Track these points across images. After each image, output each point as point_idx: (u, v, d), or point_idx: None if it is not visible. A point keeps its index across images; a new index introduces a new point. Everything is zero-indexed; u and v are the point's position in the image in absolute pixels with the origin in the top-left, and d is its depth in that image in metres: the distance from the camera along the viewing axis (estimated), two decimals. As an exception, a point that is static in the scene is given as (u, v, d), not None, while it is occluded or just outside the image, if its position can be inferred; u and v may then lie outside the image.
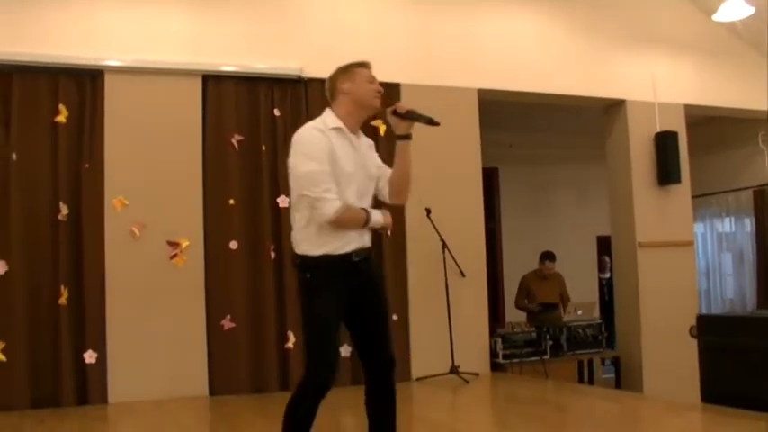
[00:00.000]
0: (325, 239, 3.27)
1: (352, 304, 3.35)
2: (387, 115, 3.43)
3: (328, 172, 3.24)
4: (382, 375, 3.40)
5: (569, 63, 8.22)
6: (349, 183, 3.31)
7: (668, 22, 8.79)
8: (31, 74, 6.31)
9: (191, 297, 6.60)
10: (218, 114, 6.83)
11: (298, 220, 3.36)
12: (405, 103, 3.44)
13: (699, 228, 10.59)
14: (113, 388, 6.29)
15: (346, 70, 3.48)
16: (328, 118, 3.38)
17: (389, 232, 3.30)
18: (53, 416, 5.76)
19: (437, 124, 3.34)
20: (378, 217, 3.35)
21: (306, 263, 3.30)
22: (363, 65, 3.51)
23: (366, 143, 3.52)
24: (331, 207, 3.19)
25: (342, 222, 3.23)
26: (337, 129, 3.33)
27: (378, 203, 3.55)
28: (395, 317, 7.20)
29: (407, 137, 3.42)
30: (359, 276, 3.35)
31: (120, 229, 6.43)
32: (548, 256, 9.22)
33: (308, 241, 3.30)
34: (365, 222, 3.29)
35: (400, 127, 3.41)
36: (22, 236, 6.20)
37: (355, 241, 3.31)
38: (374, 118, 3.46)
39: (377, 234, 3.87)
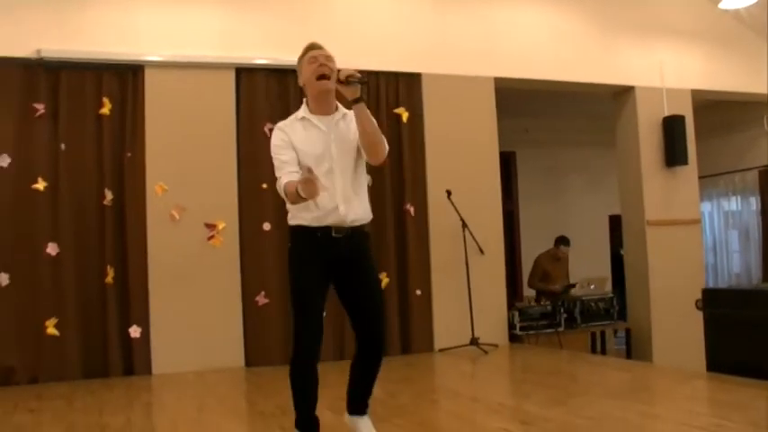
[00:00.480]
0: (301, 212, 3.32)
1: (339, 278, 3.43)
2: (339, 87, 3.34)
3: (282, 159, 3.34)
4: (366, 349, 3.51)
5: (581, 52, 8.19)
6: (321, 162, 3.31)
7: (675, 10, 8.70)
8: (77, 70, 6.40)
9: (227, 275, 6.69)
10: (250, 104, 6.89)
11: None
12: (345, 71, 3.29)
13: (706, 206, 10.53)
14: (156, 360, 6.41)
15: (298, 63, 3.48)
16: (300, 110, 3.47)
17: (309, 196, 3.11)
18: (102, 386, 5.88)
19: (365, 82, 3.30)
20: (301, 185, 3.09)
21: (290, 233, 3.42)
22: (307, 48, 3.45)
23: (340, 117, 3.43)
24: (283, 179, 3.26)
25: (289, 195, 3.19)
26: (302, 119, 3.41)
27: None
28: (418, 292, 7.29)
29: (358, 100, 3.26)
30: (336, 252, 3.36)
31: (160, 213, 6.52)
32: (563, 241, 9.23)
33: (291, 213, 3.39)
34: (296, 195, 3.09)
35: (348, 92, 3.28)
36: (70, 220, 6.32)
37: (332, 217, 3.30)
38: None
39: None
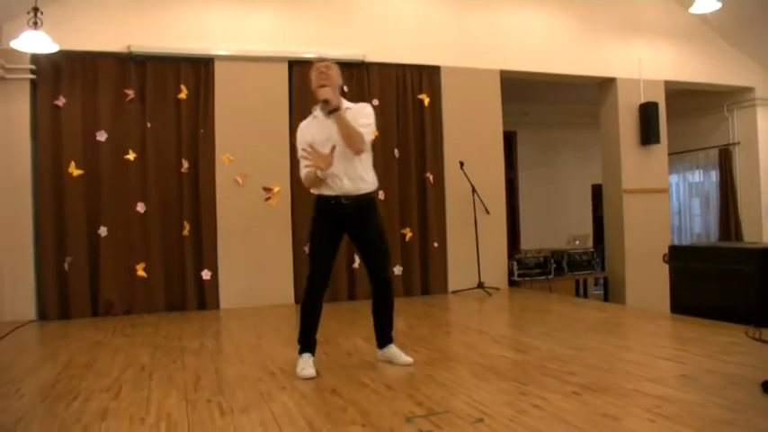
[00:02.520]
0: (320, 187, 3.65)
1: (351, 233, 3.73)
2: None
3: (300, 155, 3.67)
4: (377, 289, 3.79)
5: (572, 48, 8.05)
6: (326, 147, 3.53)
7: (652, 13, 8.50)
8: (159, 62, 6.44)
9: (281, 229, 6.75)
10: (300, 91, 6.82)
11: None
12: (321, 91, 3.49)
13: (673, 178, 10.39)
14: (223, 297, 6.53)
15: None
16: (315, 110, 3.71)
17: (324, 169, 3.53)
18: (180, 317, 6.02)
19: (330, 114, 3.50)
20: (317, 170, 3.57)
21: (313, 201, 3.73)
22: (313, 64, 3.64)
23: (342, 112, 3.55)
24: (302, 171, 3.68)
25: (307, 181, 3.66)
26: (314, 117, 3.70)
27: None
28: (436, 244, 7.31)
29: (332, 112, 3.49)
30: (344, 214, 3.62)
31: (227, 179, 6.58)
32: None
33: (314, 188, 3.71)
34: (314, 178, 3.58)
35: (324, 107, 3.56)
36: (155, 184, 6.41)
37: (338, 188, 3.58)
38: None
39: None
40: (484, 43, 7.63)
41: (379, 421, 2.72)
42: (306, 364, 3.57)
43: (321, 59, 3.66)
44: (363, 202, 3.66)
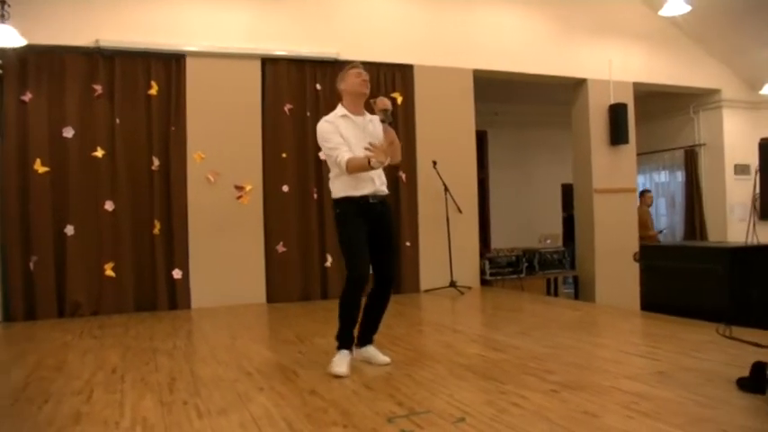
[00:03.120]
0: (346, 187, 3.66)
1: (370, 232, 3.68)
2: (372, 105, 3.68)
3: (337, 141, 3.64)
4: (381, 287, 3.79)
5: (544, 49, 8.11)
6: (360, 148, 3.58)
7: (623, 16, 8.61)
8: (129, 57, 6.30)
9: (253, 228, 6.68)
10: (273, 88, 6.81)
11: (332, 177, 3.76)
12: (385, 100, 3.62)
13: (641, 179, 10.53)
14: (195, 297, 6.42)
15: (340, 75, 3.81)
16: (338, 109, 3.76)
17: (388, 162, 3.60)
18: (151, 317, 5.90)
19: (391, 121, 3.64)
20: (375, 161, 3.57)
21: (337, 202, 3.71)
22: (353, 66, 3.78)
23: (369, 120, 3.76)
24: (342, 156, 3.58)
25: (352, 168, 3.57)
26: (343, 116, 3.71)
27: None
28: (408, 243, 7.30)
29: (384, 121, 3.61)
30: (373, 213, 3.68)
31: (199, 177, 6.48)
32: (647, 190, 8.97)
33: (337, 189, 3.71)
34: (368, 162, 3.51)
35: (380, 115, 3.63)
36: (124, 182, 6.28)
37: (369, 188, 3.65)
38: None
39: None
40: (457, 42, 7.65)
41: (360, 422, 2.69)
42: (342, 361, 3.57)
43: (358, 65, 3.76)
44: (386, 202, 3.80)
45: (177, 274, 6.39)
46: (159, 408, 2.95)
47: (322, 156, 6.87)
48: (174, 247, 6.40)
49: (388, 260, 3.77)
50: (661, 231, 9.14)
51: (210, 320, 5.66)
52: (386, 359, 3.77)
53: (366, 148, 3.51)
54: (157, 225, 6.35)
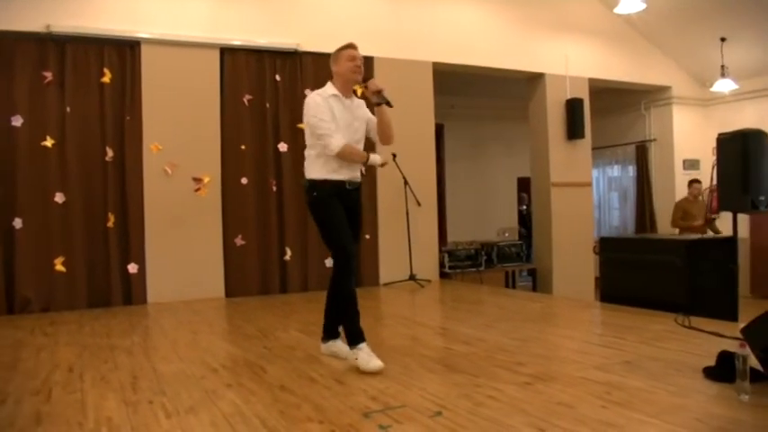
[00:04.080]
0: (327, 170, 3.56)
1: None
2: (361, 88, 3.73)
3: (330, 122, 3.53)
4: None
5: (503, 43, 8.16)
6: (347, 131, 3.60)
7: (579, 12, 8.73)
8: (81, 43, 6.05)
9: (211, 221, 6.52)
10: (232, 79, 6.66)
11: (310, 155, 3.62)
12: (376, 82, 3.60)
13: (594, 173, 10.71)
14: (151, 292, 6.24)
15: (334, 55, 3.67)
16: (329, 88, 3.64)
17: (382, 165, 3.79)
18: (105, 313, 5.69)
19: (391, 106, 3.59)
20: (376, 158, 3.71)
21: (313, 185, 3.59)
22: (348, 46, 3.65)
23: (357, 103, 3.73)
24: (337, 143, 3.49)
25: (345, 155, 3.53)
26: (334, 95, 3.61)
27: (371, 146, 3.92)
28: (367, 236, 7.24)
29: (379, 104, 3.58)
30: (349, 200, 3.63)
31: (156, 168, 6.29)
32: (696, 180, 8.80)
33: (316, 170, 3.59)
34: (366, 159, 3.62)
35: (373, 98, 3.59)
36: (75, 173, 6.05)
37: (346, 174, 3.60)
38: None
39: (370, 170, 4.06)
40: (417, 35, 7.62)
41: (336, 417, 2.64)
42: (370, 355, 3.38)
43: (353, 46, 3.66)
44: (360, 190, 3.75)
45: (133, 268, 6.19)
46: (123, 408, 2.83)
47: (283, 146, 6.82)
48: (130, 240, 6.20)
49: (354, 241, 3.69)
50: (713, 219, 8.41)
51: (169, 316, 5.50)
52: (350, 353, 3.56)
53: (330, 130, 3.49)
54: (111, 218, 6.14)
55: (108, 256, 6.12)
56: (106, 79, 6.16)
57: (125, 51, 6.23)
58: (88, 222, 6.09)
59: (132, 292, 6.18)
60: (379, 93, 3.56)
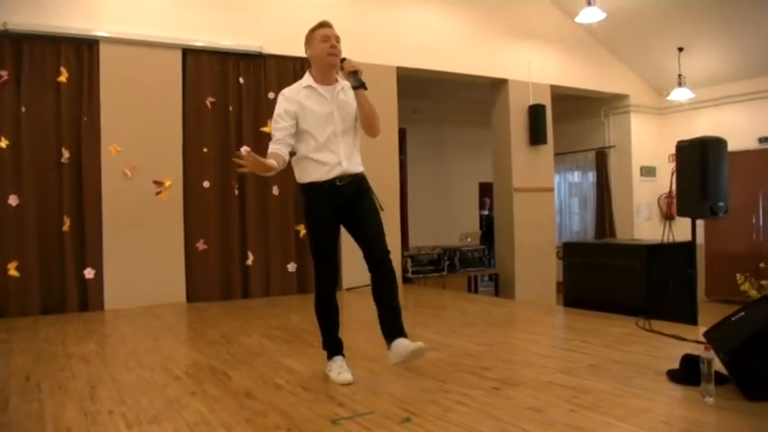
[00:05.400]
0: (310, 171, 3.27)
1: (344, 216, 3.34)
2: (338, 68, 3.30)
3: (281, 128, 3.23)
4: (376, 268, 3.32)
5: (467, 49, 8.21)
6: (324, 125, 3.25)
7: (541, 20, 8.86)
8: (38, 41, 5.86)
9: (172, 225, 6.40)
10: (195, 80, 6.55)
11: (295, 158, 3.34)
12: (353, 62, 3.26)
13: (556, 178, 10.86)
14: (108, 297, 6.07)
15: (307, 38, 3.37)
16: (305, 78, 3.34)
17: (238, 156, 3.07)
18: (61, 320, 5.52)
19: (365, 89, 3.25)
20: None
21: (302, 188, 3.33)
22: (320, 25, 3.34)
23: (340, 88, 3.33)
24: (270, 147, 3.23)
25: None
26: (307, 87, 3.29)
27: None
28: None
29: (358, 87, 3.23)
30: (342, 198, 3.28)
31: (114, 171, 6.13)
32: None
33: (299, 172, 3.33)
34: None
35: (349, 80, 3.27)
36: (30, 175, 5.85)
37: (336, 170, 3.23)
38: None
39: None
40: (382, 39, 7.61)
41: (303, 425, 2.60)
42: (342, 369, 3.27)
43: (326, 24, 3.34)
44: (360, 182, 3.36)
45: (89, 273, 6.02)
46: (83, 418, 2.74)
47: (246, 150, 6.73)
48: (86, 244, 6.03)
49: (372, 236, 3.32)
50: None
51: (127, 322, 5.36)
52: (419, 344, 3.19)
53: (235, 157, 3.04)
54: (67, 221, 5.97)
55: (63, 260, 5.95)
56: (63, 78, 5.99)
57: (83, 50, 6.07)
58: (43, 226, 5.91)
59: (89, 298, 6.01)
60: (354, 74, 3.22)
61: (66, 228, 5.97)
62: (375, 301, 3.36)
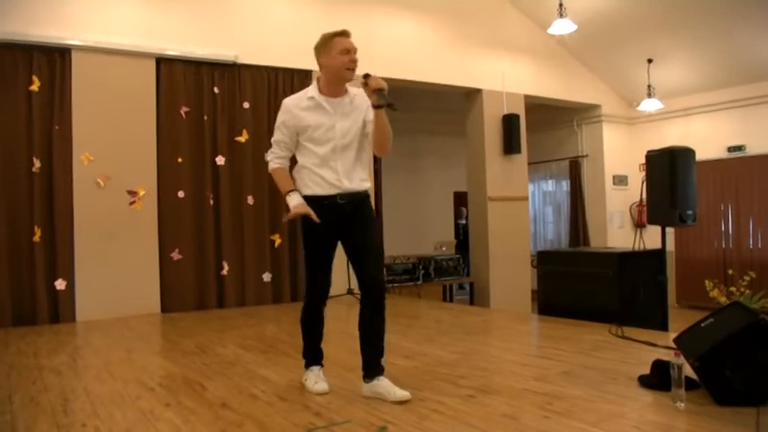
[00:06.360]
0: (309, 185, 3.15)
1: (343, 234, 3.20)
2: (361, 83, 3.11)
3: (280, 140, 3.19)
4: (367, 294, 3.22)
5: (441, 59, 8.28)
6: (325, 141, 3.12)
7: (515, 31, 8.98)
8: (8, 49, 5.79)
9: (147, 235, 6.35)
10: (169, 90, 6.51)
11: (296, 168, 3.23)
12: (379, 79, 3.05)
13: (531, 187, 10.97)
14: (80, 309, 5.99)
15: (324, 44, 3.16)
16: (310, 88, 3.19)
17: (287, 219, 3.18)
18: (31, 332, 5.43)
19: (395, 109, 3.00)
20: (290, 201, 3.11)
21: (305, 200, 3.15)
22: (340, 34, 3.15)
23: (352, 101, 3.18)
24: (271, 165, 3.24)
25: (276, 180, 3.24)
26: (311, 98, 3.13)
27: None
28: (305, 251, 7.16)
29: (378, 107, 3.04)
30: (340, 214, 3.13)
31: (87, 180, 6.07)
32: None
33: (300, 183, 3.18)
34: (285, 194, 3.15)
35: (371, 98, 3.06)
36: (0, 185, 5.75)
37: (335, 188, 3.11)
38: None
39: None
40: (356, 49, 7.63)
41: (280, 435, 2.60)
42: (318, 378, 3.28)
43: (346, 34, 3.17)
44: (362, 200, 3.19)
45: (60, 284, 5.94)
46: (55, 431, 2.71)
47: (221, 160, 6.72)
48: (57, 255, 5.95)
49: (366, 260, 3.16)
50: None
51: (100, 333, 5.29)
52: (405, 394, 3.01)
53: (277, 141, 3.14)
54: (38, 232, 5.88)
55: (34, 271, 5.86)
56: (34, 87, 5.92)
57: (55, 58, 6.01)
58: (13, 236, 5.82)
59: (60, 310, 5.92)
60: (380, 91, 3.00)
61: (37, 238, 5.88)
62: (360, 328, 3.24)
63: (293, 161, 3.27)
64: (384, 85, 3.02)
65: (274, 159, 3.24)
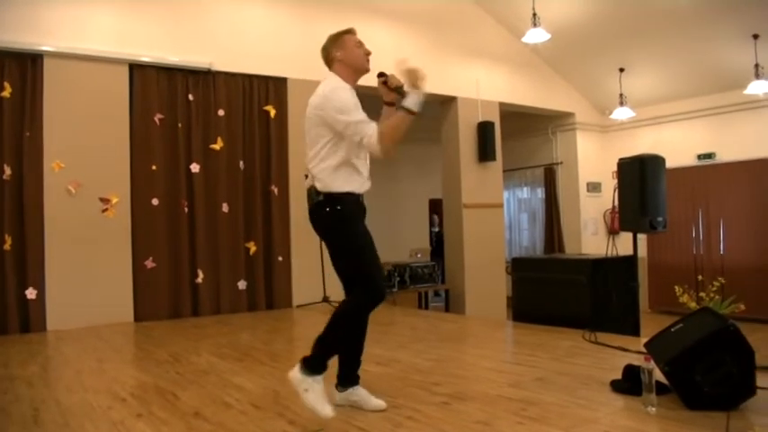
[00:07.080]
0: (350, 180, 2.96)
1: None
2: (377, 82, 3.06)
3: (363, 114, 2.94)
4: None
5: (417, 66, 8.30)
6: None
7: (489, 40, 9.06)
8: (-22, 55, 5.74)
9: (120, 243, 6.27)
10: (143, 96, 6.46)
11: (329, 167, 2.94)
12: (396, 80, 3.01)
13: (506, 194, 11.04)
14: (51, 318, 5.90)
15: (336, 39, 3.13)
16: (338, 80, 3.05)
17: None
18: (2, 342, 5.33)
19: (414, 113, 2.88)
20: (414, 98, 2.90)
21: (336, 199, 2.92)
22: (349, 31, 3.16)
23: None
24: (374, 135, 2.85)
25: (390, 135, 2.86)
26: (349, 89, 3.03)
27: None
28: (280, 258, 7.17)
29: (393, 104, 3.00)
30: (364, 216, 3.07)
31: (58, 187, 5.98)
32: None
33: (336, 180, 2.93)
34: (403, 118, 2.87)
35: (387, 96, 3.03)
36: (-31, 192, 5.68)
37: (366, 184, 3.03)
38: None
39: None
40: (332, 57, 7.64)
41: (253, 444, 2.58)
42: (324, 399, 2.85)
43: (354, 32, 3.16)
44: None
45: (31, 293, 5.84)
46: (24, 441, 2.67)
47: (195, 167, 6.66)
48: (28, 264, 5.85)
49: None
50: None
51: (71, 343, 5.20)
52: (381, 404, 3.00)
53: (364, 120, 2.84)
54: (8, 240, 5.78)
55: (4, 280, 5.75)
56: (6, 93, 5.83)
57: (26, 64, 5.93)
58: (-19, 245, 5.73)
59: (30, 319, 5.82)
60: (399, 89, 2.95)
61: (7, 246, 5.78)
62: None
63: (321, 160, 3.00)
64: (402, 83, 2.95)
65: (373, 128, 2.90)
